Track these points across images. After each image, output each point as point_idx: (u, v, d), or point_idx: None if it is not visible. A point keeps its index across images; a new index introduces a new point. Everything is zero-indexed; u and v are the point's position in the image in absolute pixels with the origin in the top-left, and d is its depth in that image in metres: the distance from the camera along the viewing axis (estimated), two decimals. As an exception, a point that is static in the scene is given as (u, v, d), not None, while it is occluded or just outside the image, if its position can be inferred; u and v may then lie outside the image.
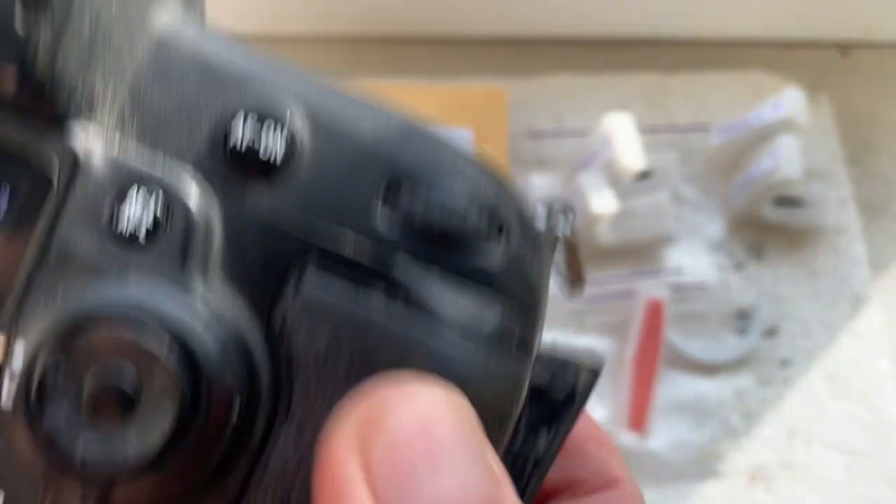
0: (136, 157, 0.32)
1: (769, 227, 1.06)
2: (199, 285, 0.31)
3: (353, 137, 0.33)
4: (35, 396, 0.29)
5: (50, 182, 0.31)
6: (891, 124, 1.14)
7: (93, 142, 0.31)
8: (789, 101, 1.06)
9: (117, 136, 0.32)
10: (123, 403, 0.29)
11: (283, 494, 0.31)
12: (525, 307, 0.34)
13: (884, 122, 1.14)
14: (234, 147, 0.32)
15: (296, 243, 0.32)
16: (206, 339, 0.30)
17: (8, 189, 0.31)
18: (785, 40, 1.16)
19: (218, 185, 0.32)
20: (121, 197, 0.31)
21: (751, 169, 1.03)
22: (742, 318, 1.02)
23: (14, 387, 0.29)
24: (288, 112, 0.32)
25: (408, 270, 0.32)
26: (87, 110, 0.31)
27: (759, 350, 0.97)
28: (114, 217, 0.31)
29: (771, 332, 1.02)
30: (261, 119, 0.32)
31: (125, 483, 0.29)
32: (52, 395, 0.29)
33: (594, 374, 0.41)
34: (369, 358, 0.31)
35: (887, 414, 0.99)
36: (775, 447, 0.96)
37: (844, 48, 1.17)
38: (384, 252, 0.32)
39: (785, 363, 1.02)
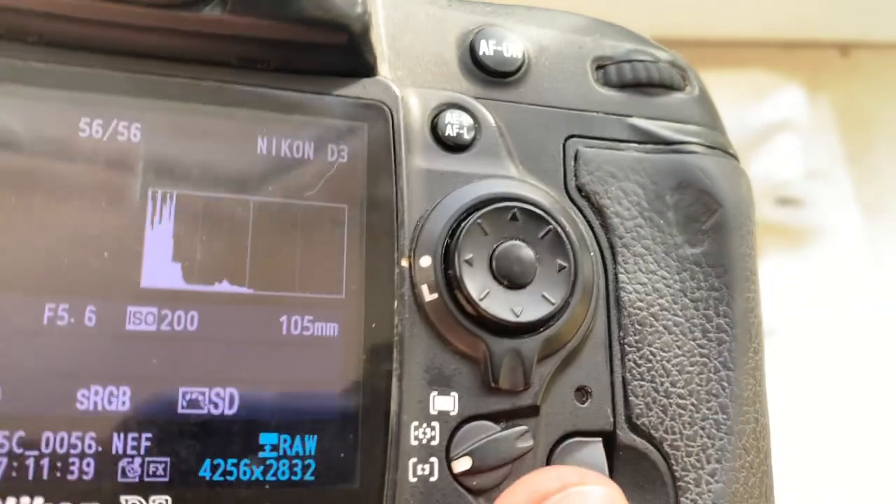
0: (423, 90, 0.40)
1: (769, 226, 1.06)
2: (516, 173, 0.39)
3: (559, 37, 0.42)
4: (455, 280, 0.35)
5: (381, 120, 0.37)
6: (890, 124, 1.14)
7: (395, 85, 0.38)
8: (789, 100, 1.07)
9: (397, 78, 0.39)
10: (526, 271, 0.36)
11: (636, 328, 0.39)
12: (719, 125, 0.44)
13: (884, 122, 1.14)
14: (484, 55, 0.41)
15: (557, 127, 0.40)
16: (556, 210, 0.38)
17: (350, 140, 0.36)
18: (785, 40, 1.16)
19: (481, 95, 0.40)
20: (439, 117, 0.38)
21: (751, 169, 1.03)
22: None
23: (429, 283, 0.36)
24: (509, 28, 0.42)
25: (640, 121, 0.41)
26: (376, 63, 0.38)
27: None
28: (439, 132, 0.38)
29: (770, 332, 1.03)
30: (493, 35, 0.41)
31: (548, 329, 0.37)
32: (468, 277, 0.35)
33: None
34: (655, 187, 0.40)
35: (887, 411, 0.99)
36: (775, 444, 0.97)
37: (844, 48, 1.17)
38: (618, 114, 0.41)
39: (784, 362, 1.02)
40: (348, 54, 0.36)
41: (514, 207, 0.37)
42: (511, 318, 0.35)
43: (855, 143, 1.12)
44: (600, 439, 0.37)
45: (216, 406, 0.32)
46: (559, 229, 0.37)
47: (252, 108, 0.35)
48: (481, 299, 0.35)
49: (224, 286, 0.33)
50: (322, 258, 0.34)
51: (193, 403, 0.32)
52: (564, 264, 0.36)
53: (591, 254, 0.38)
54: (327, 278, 0.34)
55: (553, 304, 0.36)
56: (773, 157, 1.04)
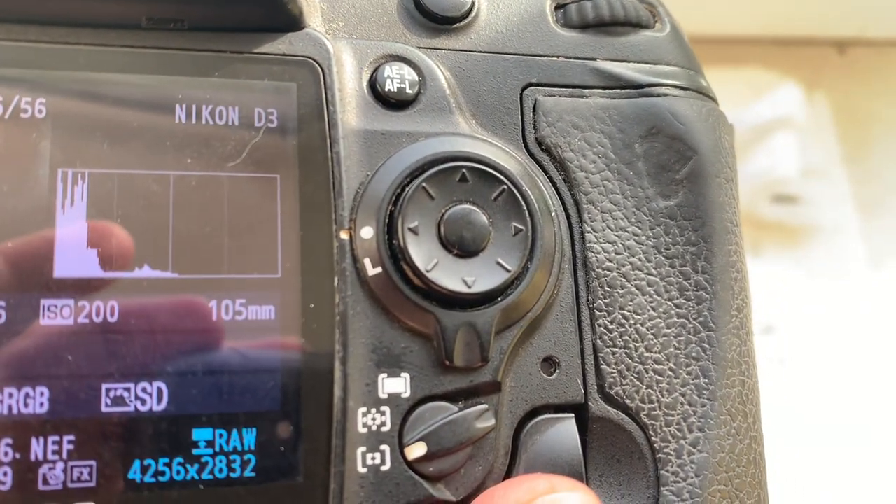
0: (359, 42, 0.37)
1: (766, 224, 1.05)
2: (467, 129, 0.36)
3: None
4: (400, 251, 0.33)
5: (312, 78, 0.34)
6: (888, 121, 1.13)
7: (326, 38, 0.36)
8: (786, 98, 1.05)
9: (332, 31, 0.37)
10: (477, 237, 0.34)
11: (606, 291, 0.36)
12: (694, 64, 0.40)
13: (881, 119, 1.13)
14: (426, 4, 0.37)
15: (513, 75, 0.38)
16: (512, 167, 0.35)
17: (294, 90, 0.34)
18: (782, 38, 1.15)
19: (426, 45, 0.37)
20: (378, 71, 0.36)
21: (748, 166, 1.02)
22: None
23: (372, 256, 0.33)
24: None
25: (605, 64, 0.38)
26: (304, 17, 0.35)
27: (756, 348, 0.94)
28: (378, 87, 0.35)
29: (767, 330, 1.01)
30: None
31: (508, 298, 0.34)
32: (414, 246, 0.33)
33: None
34: (623, 136, 0.37)
35: (885, 410, 0.98)
36: (772, 443, 0.95)
37: (841, 45, 1.16)
38: (580, 58, 0.39)
39: (781, 361, 1.00)
40: (270, 6, 0.33)
41: (462, 167, 0.34)
42: (463, 288, 0.33)
43: (852, 141, 1.11)
44: (572, 415, 0.34)
45: (143, 402, 0.30)
46: (513, 189, 0.34)
47: (167, 74, 0.32)
48: (429, 270, 0.32)
49: (145, 272, 0.31)
50: (253, 235, 0.32)
51: (118, 400, 0.30)
52: (521, 227, 0.34)
53: (553, 213, 0.35)
54: (260, 257, 0.31)
55: (509, 270, 0.33)
56: (770, 154, 1.03)
